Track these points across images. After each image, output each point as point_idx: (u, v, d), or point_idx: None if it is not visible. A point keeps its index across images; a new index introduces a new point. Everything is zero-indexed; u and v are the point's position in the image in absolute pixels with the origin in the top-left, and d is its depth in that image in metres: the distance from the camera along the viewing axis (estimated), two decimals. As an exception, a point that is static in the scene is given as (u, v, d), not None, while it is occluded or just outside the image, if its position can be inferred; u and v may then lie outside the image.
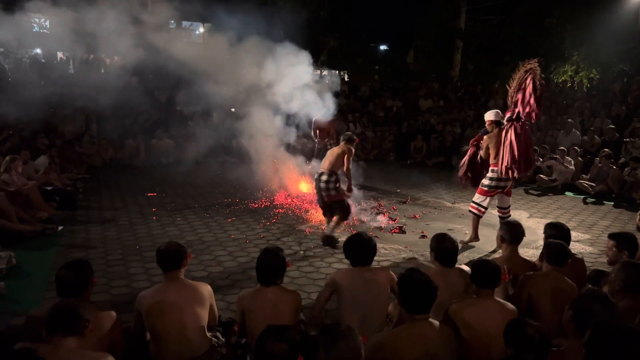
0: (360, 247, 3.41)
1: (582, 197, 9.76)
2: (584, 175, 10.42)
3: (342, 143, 6.46)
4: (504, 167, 5.85)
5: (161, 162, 12.41)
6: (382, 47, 28.78)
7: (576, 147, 11.18)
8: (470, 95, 17.98)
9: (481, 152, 6.23)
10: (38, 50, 18.15)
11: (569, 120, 12.65)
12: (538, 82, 5.75)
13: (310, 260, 5.70)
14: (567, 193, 10.15)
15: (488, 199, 6.17)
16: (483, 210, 6.24)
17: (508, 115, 5.94)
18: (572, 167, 10.49)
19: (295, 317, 3.30)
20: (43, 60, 16.99)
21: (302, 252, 5.97)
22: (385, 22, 23.51)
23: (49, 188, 7.86)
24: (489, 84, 19.43)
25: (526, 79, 5.82)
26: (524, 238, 4.04)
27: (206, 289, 3.28)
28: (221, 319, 3.61)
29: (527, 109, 5.79)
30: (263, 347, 2.12)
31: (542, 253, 3.53)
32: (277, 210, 7.85)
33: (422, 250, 6.12)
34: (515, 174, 5.87)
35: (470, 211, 6.41)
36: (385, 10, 23.11)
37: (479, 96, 17.66)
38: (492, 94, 17.55)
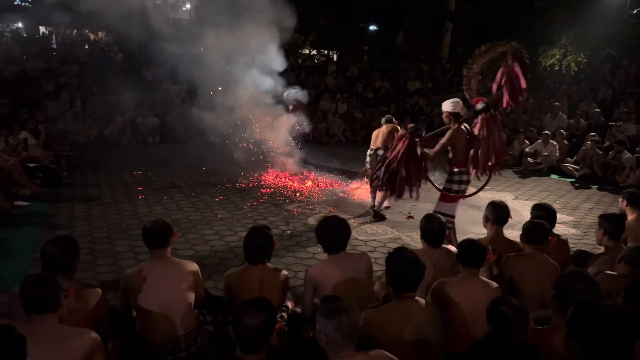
0: (334, 232, 3.25)
1: (567, 179, 9.89)
2: (569, 159, 10.55)
3: (387, 124, 7.02)
4: (483, 166, 5.04)
5: (147, 141, 12.27)
6: (372, 28, 28.51)
7: (562, 131, 11.29)
8: (459, 77, 17.95)
9: (429, 151, 5.14)
10: (19, 24, 17.71)
11: (556, 103, 12.75)
12: (525, 62, 4.93)
13: (297, 239, 5.72)
14: (552, 176, 10.27)
15: (455, 205, 5.32)
16: (451, 220, 5.26)
17: (480, 105, 5.04)
18: (557, 151, 10.59)
19: (283, 295, 3.31)
20: (25, 35, 16.58)
21: (289, 231, 5.98)
22: (375, 2, 23.22)
23: (32, 165, 7.74)
24: (478, 66, 19.42)
25: (510, 61, 4.96)
26: (509, 220, 4.08)
27: (193, 267, 3.27)
28: (208, 297, 3.61)
29: (512, 95, 4.94)
30: (240, 319, 2.12)
31: (521, 234, 3.58)
32: (264, 190, 7.83)
33: (408, 230, 6.16)
34: (491, 175, 5.15)
35: None
36: (375, -10, 22.84)
37: (468, 78, 17.65)
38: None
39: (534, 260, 3.35)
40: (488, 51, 5.19)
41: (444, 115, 5.24)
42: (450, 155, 5.19)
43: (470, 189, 5.35)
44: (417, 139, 4.98)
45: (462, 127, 5.13)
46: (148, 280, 3.05)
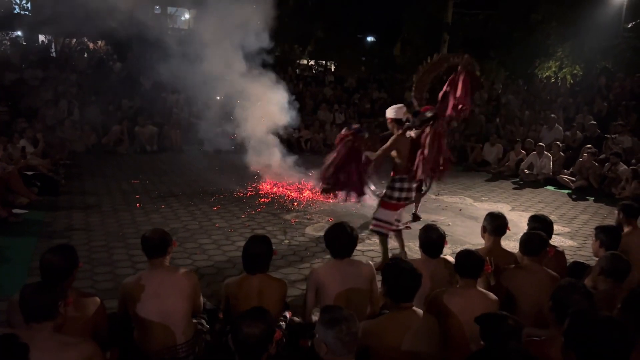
0: (342, 238, 3.34)
1: (563, 191, 9.94)
2: (565, 170, 10.61)
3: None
4: (425, 173, 5.05)
5: (145, 149, 12.28)
6: (369, 39, 28.72)
7: (558, 142, 11.36)
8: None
9: (370, 155, 5.13)
10: (19, 33, 17.75)
11: (552, 115, 12.83)
12: (475, 74, 5.02)
13: (295, 249, 5.72)
14: (548, 187, 10.32)
15: (394, 213, 5.15)
16: (389, 227, 5.13)
17: (428, 113, 5.04)
18: (551, 165, 10.64)
19: (281, 305, 3.32)
20: (24, 43, 16.63)
21: (287, 241, 5.98)
22: (373, 14, 23.41)
23: (30, 173, 7.74)
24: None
25: (458, 71, 5.03)
26: (507, 231, 4.09)
27: (191, 276, 3.27)
28: (206, 306, 3.61)
29: (458, 105, 4.96)
30: (239, 329, 2.13)
31: (519, 246, 3.59)
32: (262, 200, 7.84)
33: (406, 241, 6.15)
34: (432, 182, 5.24)
35: (372, 230, 5.26)
36: (372, 1, 23.02)
37: (465, 90, 17.76)
38: (478, 87, 17.66)
39: (531, 272, 3.34)
40: (439, 62, 5.28)
41: (388, 122, 5.23)
42: (394, 161, 5.16)
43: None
44: (360, 141, 5.04)
45: (406, 134, 5.11)
46: (146, 289, 3.05)
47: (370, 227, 5.26)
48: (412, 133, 5.17)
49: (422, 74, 5.32)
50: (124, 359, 3.02)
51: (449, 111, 5.00)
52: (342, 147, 5.14)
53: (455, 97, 4.94)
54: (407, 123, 5.09)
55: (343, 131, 5.43)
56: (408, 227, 5.44)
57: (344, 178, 5.09)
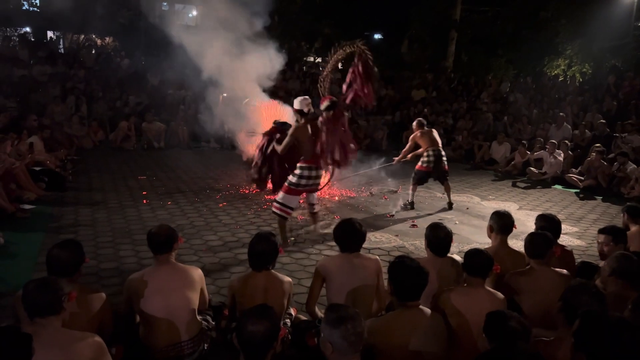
0: (350, 234, 3.39)
1: (571, 190, 9.87)
2: (574, 169, 10.53)
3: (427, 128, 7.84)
4: (324, 162, 5.26)
5: (152, 146, 12.31)
6: (376, 36, 28.63)
7: (567, 141, 11.28)
8: (463, 86, 18.02)
9: (278, 147, 5.37)
10: (27, 29, 17.85)
11: (561, 114, 12.75)
12: (369, 63, 5.17)
13: (301, 246, 5.71)
14: (556, 186, 10.24)
15: (296, 198, 5.44)
16: (289, 211, 5.45)
17: (325, 103, 5.26)
18: (561, 158, 10.58)
19: (286, 302, 3.31)
20: (33, 39, 16.71)
21: (292, 238, 5.97)
22: (380, 11, 23.31)
23: (37, 169, 7.77)
24: (482, 76, 19.46)
25: (355, 62, 5.21)
26: (513, 229, 4.06)
27: (197, 273, 3.27)
28: (211, 303, 3.61)
29: (356, 95, 5.21)
30: (244, 326, 2.12)
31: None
32: (268, 197, 7.83)
33: (412, 239, 6.15)
34: (334, 170, 5.40)
35: (273, 212, 5.56)
36: (380, -1, 22.97)
37: (472, 88, 17.70)
38: (485, 85, 17.58)
39: (537, 276, 3.27)
40: (338, 52, 5.50)
41: (293, 112, 5.46)
42: (300, 150, 5.37)
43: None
44: (279, 135, 5.37)
45: (309, 124, 5.30)
46: (152, 286, 3.05)
47: (272, 209, 5.56)
48: (319, 122, 5.35)
49: (325, 67, 5.57)
50: (129, 356, 3.02)
51: (348, 101, 5.32)
52: (265, 143, 5.57)
53: (355, 87, 5.22)
54: (310, 114, 5.36)
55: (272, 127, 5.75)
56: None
57: (269, 171, 5.64)
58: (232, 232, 6.11)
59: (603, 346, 1.90)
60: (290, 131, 5.31)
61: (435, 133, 7.80)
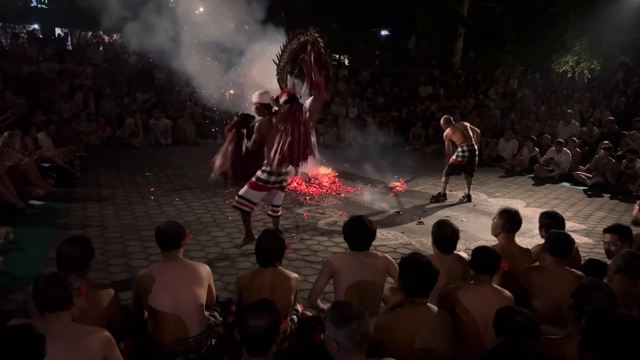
0: (360, 231, 3.38)
1: (579, 187, 9.81)
2: (582, 167, 10.46)
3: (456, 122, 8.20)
4: (277, 158, 4.87)
5: (159, 142, 12.36)
6: (384, 32, 28.54)
7: (575, 138, 11.20)
8: (470, 83, 17.93)
9: (247, 143, 5.17)
10: (36, 26, 17.93)
11: (569, 110, 12.65)
12: (322, 53, 4.82)
13: (307, 242, 5.72)
14: (564, 183, 10.19)
15: (261, 194, 5.18)
16: (252, 206, 5.18)
17: (284, 97, 4.98)
18: (570, 158, 10.51)
19: (293, 299, 3.33)
20: (41, 36, 16.78)
21: (299, 234, 5.98)
22: (387, 7, 23.25)
23: (46, 165, 7.83)
24: (490, 72, 19.35)
25: (308, 51, 4.88)
26: (521, 226, 4.04)
27: (204, 269, 3.30)
28: (219, 299, 3.64)
29: (312, 87, 4.90)
30: (246, 321, 2.13)
31: (544, 244, 3.51)
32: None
33: (419, 236, 6.15)
34: (290, 167, 5.06)
35: (235, 206, 5.29)
36: (387, -5, 22.89)
37: (480, 84, 17.62)
38: (493, 82, 17.48)
39: (551, 273, 3.26)
40: (292, 41, 5.23)
41: (255, 107, 5.12)
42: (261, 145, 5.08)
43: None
44: (244, 127, 5.15)
45: (272, 118, 5.00)
46: (160, 281, 3.08)
47: (234, 203, 5.27)
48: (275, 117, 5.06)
49: (283, 56, 5.30)
50: (137, 351, 3.05)
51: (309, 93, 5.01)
52: (231, 138, 5.29)
53: (312, 80, 4.91)
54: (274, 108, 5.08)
55: (235, 120, 5.48)
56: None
57: (235, 166, 5.29)
58: (239, 228, 6.11)
59: (610, 344, 1.90)
60: (256, 126, 5.03)
61: (466, 127, 8.02)
